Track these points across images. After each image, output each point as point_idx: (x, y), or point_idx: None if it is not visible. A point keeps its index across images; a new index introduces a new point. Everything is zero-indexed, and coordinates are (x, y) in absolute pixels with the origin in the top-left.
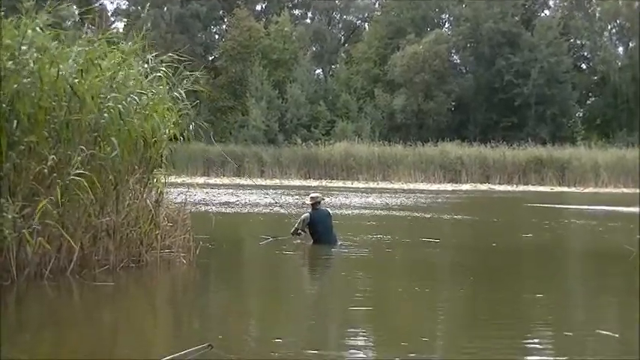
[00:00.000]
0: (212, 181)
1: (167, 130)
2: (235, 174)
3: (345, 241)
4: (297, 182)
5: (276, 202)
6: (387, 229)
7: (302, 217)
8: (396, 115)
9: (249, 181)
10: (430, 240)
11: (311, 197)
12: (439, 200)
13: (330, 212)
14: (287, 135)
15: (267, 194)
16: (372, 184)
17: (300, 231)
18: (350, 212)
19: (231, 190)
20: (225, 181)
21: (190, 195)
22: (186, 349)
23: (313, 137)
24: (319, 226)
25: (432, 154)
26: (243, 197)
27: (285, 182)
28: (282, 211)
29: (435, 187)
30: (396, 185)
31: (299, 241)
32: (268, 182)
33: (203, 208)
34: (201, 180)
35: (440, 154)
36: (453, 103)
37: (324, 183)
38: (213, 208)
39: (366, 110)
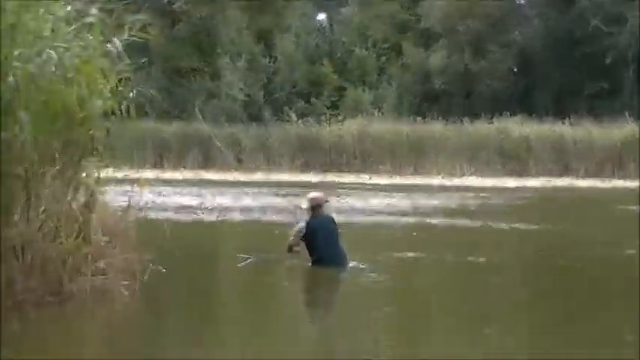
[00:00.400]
0: (168, 175)
1: (101, 102)
2: (201, 165)
3: (359, 260)
4: (290, 176)
5: (261, 207)
6: (421, 245)
7: (296, 227)
8: (433, 78)
9: (220, 175)
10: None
11: (310, 198)
12: (495, 202)
13: (335, 220)
14: (276, 108)
15: (247, 194)
16: (398, 179)
17: (295, 248)
18: (367, 220)
19: (195, 189)
20: (187, 175)
21: (136, 196)
22: None
23: (314, 111)
24: (320, 240)
25: (486, 135)
26: (213, 198)
27: (274, 176)
28: (269, 217)
29: (489, 182)
30: (434, 180)
31: (296, 261)
32: (249, 177)
33: (154, 215)
34: (151, 174)
35: (496, 135)
36: (515, 62)
37: (329, 177)
38: (170, 214)
39: (390, 72)
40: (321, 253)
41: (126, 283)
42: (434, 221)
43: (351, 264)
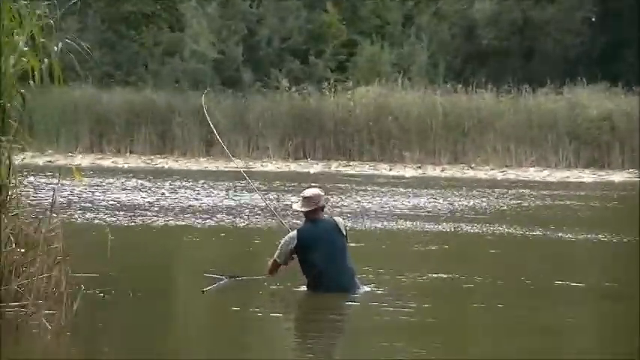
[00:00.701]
0: (109, 162)
1: (14, 62)
2: (155, 149)
3: (375, 282)
4: (278, 166)
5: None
6: (460, 262)
7: (284, 238)
8: (478, 32)
9: (182, 164)
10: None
11: (304, 197)
12: (564, 202)
13: (343, 224)
14: (260, 71)
15: (218, 189)
16: (429, 171)
17: (283, 266)
18: (386, 227)
19: (146, 181)
20: (136, 162)
21: (65, 190)
22: None
23: (313, 76)
24: (318, 254)
25: (552, 111)
26: (171, 196)
27: (256, 166)
28: (247, 222)
29: (556, 175)
30: (479, 173)
31: (283, 286)
32: (221, 166)
33: (90, 217)
34: (86, 160)
35: (567, 111)
36: (595, 9)
37: (333, 168)
38: (109, 216)
39: (420, 22)
40: (319, 272)
41: (49, 312)
42: (478, 229)
43: (363, 288)
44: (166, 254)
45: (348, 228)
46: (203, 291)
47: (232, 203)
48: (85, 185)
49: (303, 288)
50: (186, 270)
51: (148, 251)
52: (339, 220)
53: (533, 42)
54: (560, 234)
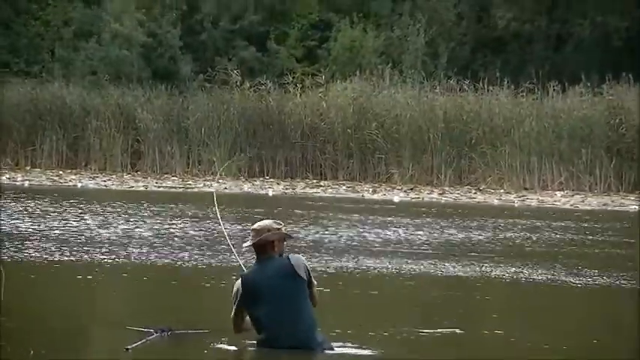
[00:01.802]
0: (2, 179)
1: None
2: (64, 164)
3: (352, 340)
4: (228, 186)
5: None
6: (461, 311)
7: (234, 286)
8: (491, 10)
9: (100, 182)
10: None
11: (254, 231)
12: (601, 237)
13: (303, 264)
14: (203, 60)
15: (146, 214)
16: (424, 194)
17: (235, 320)
18: (369, 266)
19: (52, 206)
20: (38, 179)
21: None
22: None
23: (273, 67)
24: (262, 304)
25: (586, 117)
26: (83, 223)
27: (198, 185)
28: (182, 260)
29: (591, 202)
30: (490, 197)
31: (224, 341)
32: (149, 184)
33: None
34: None
35: (607, 117)
36: None
37: (299, 188)
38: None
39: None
40: (263, 325)
41: None
42: (486, 271)
43: (329, 346)
44: (76, 299)
45: (309, 268)
46: (127, 349)
47: (162, 234)
48: None
49: (254, 345)
50: (103, 320)
51: (52, 294)
52: (296, 258)
53: (565, 25)
54: (591, 279)
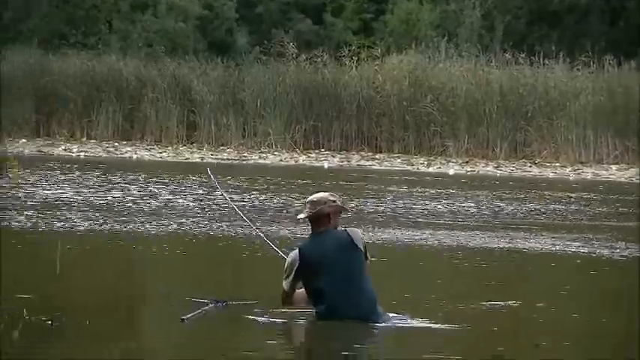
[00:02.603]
0: (58, 150)
1: None
2: (120, 135)
3: (409, 312)
4: (284, 158)
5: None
6: (517, 284)
7: (288, 258)
8: None
9: (155, 154)
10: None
11: (309, 203)
12: None
13: (360, 237)
14: (260, 33)
15: (197, 186)
16: (479, 167)
17: (294, 293)
18: (422, 237)
19: (108, 177)
20: (94, 151)
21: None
22: None
23: (329, 40)
24: (322, 275)
25: None
26: (140, 195)
27: (254, 157)
28: (239, 230)
29: None
30: (545, 170)
31: (279, 312)
32: (208, 155)
33: (32, 222)
34: (30, 148)
35: None
36: None
37: (354, 160)
38: (57, 221)
39: None
40: (325, 297)
41: None
42: (540, 245)
43: (391, 319)
44: (132, 271)
45: (365, 242)
46: (182, 319)
47: (221, 206)
48: (23, 180)
49: (313, 317)
50: (159, 292)
51: (108, 267)
52: (354, 230)
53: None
54: None
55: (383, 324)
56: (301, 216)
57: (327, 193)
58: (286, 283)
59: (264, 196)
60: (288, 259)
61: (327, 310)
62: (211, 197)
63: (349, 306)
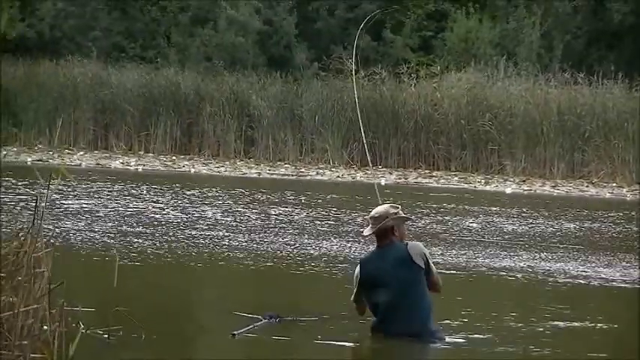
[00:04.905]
0: (116, 163)
1: None
2: (177, 149)
3: (461, 330)
4: (340, 174)
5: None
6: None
7: (356, 269)
8: (609, 5)
9: (213, 168)
10: None
11: (372, 219)
12: None
13: (420, 251)
14: (319, 49)
15: (257, 202)
16: (537, 186)
17: (354, 303)
18: (480, 257)
19: (165, 191)
20: (151, 164)
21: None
22: None
23: (388, 57)
24: (381, 290)
25: None
26: (197, 210)
27: (310, 173)
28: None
29: None
30: (602, 190)
31: (334, 327)
32: (265, 170)
33: (89, 235)
34: (87, 160)
35: None
36: None
37: (412, 177)
38: (114, 234)
39: None
40: (379, 311)
41: (37, 356)
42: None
43: (443, 335)
44: (187, 286)
45: (427, 255)
46: (233, 334)
47: (279, 222)
48: (80, 192)
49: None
50: (213, 307)
51: (164, 281)
52: (414, 245)
53: None
54: None
55: (433, 341)
56: (366, 232)
57: (387, 205)
58: (353, 295)
59: (324, 212)
60: (356, 271)
61: (380, 324)
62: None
63: (400, 322)
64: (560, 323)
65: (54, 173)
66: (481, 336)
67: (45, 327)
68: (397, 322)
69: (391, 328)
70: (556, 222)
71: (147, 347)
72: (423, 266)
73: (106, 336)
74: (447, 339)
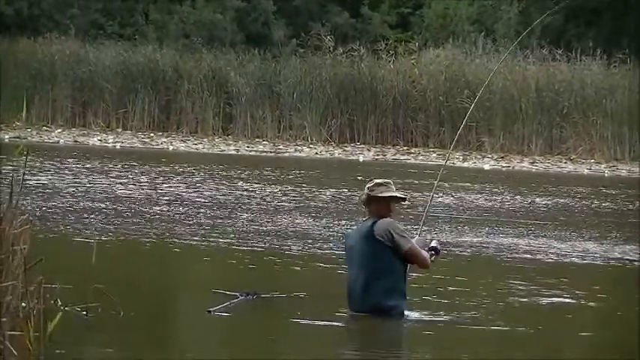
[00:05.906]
0: (94, 140)
1: None
2: (155, 126)
3: (431, 308)
4: (319, 151)
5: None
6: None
7: None
8: None
9: (190, 145)
10: None
11: (368, 189)
12: None
13: (385, 228)
14: (297, 25)
15: (237, 179)
16: (515, 163)
17: None
18: (456, 234)
19: (143, 168)
20: (129, 141)
21: (36, 175)
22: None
23: (366, 33)
24: (349, 263)
25: None
26: (175, 188)
27: (289, 150)
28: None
29: None
30: (580, 167)
31: (310, 304)
32: (244, 147)
33: (67, 213)
34: (65, 137)
35: None
36: None
37: (390, 154)
38: (92, 213)
39: None
40: (347, 286)
41: (14, 333)
42: (571, 245)
43: (407, 312)
44: (164, 264)
45: (397, 232)
46: (209, 311)
47: (257, 200)
48: (55, 170)
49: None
50: (189, 285)
51: (142, 259)
52: (382, 222)
53: None
54: None
55: (389, 315)
56: (363, 198)
57: (381, 180)
58: None
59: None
60: None
61: (347, 298)
62: (250, 188)
63: (357, 297)
64: (542, 299)
65: (14, 150)
66: (455, 314)
67: (23, 304)
68: (354, 297)
69: (350, 305)
70: (531, 198)
71: (125, 324)
72: (388, 243)
73: (85, 313)
74: (411, 315)
